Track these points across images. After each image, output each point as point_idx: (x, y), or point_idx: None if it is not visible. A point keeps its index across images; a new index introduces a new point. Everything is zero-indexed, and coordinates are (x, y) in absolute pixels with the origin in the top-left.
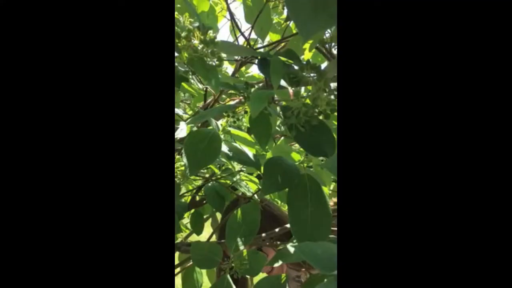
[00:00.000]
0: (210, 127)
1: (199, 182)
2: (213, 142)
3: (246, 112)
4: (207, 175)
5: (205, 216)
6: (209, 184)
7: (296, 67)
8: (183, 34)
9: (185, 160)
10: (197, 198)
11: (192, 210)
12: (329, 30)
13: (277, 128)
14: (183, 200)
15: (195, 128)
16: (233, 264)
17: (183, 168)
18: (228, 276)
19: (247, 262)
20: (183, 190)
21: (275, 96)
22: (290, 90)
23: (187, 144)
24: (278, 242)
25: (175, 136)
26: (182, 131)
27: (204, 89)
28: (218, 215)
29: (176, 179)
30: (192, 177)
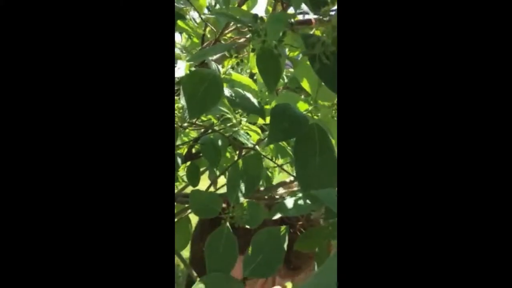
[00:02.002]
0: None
1: (195, 134)
2: (214, 84)
3: (253, 50)
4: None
5: (202, 169)
6: (206, 137)
7: None
8: None
9: (183, 101)
10: (193, 150)
11: (188, 163)
12: None
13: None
14: (179, 151)
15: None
16: (233, 214)
17: (180, 111)
18: (228, 224)
19: (247, 213)
20: (179, 141)
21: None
22: (313, 17)
23: (185, 85)
24: (277, 196)
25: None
26: (180, 69)
27: (203, 28)
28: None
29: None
30: (188, 129)
